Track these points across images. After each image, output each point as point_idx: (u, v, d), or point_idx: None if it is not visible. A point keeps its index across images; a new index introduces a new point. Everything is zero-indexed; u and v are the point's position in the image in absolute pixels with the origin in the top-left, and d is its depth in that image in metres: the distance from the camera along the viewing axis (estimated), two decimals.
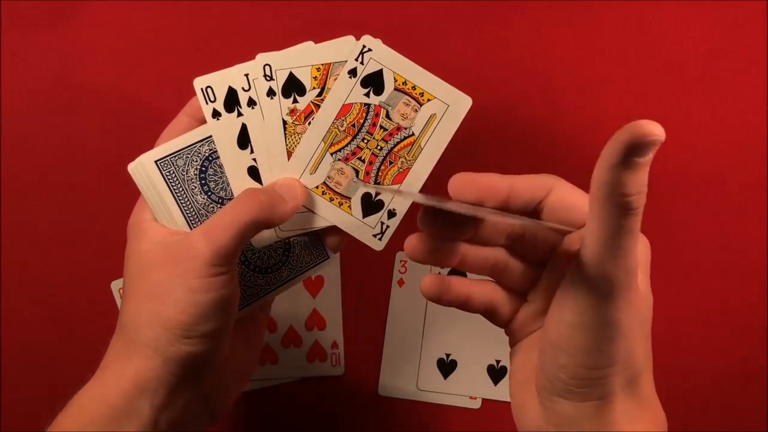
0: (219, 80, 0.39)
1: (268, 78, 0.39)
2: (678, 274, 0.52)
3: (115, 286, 0.52)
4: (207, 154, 0.39)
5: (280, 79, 0.39)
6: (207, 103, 0.39)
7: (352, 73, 0.38)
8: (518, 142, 0.54)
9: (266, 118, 0.39)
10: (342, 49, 0.39)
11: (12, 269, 0.53)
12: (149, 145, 0.55)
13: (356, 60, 0.39)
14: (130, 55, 0.54)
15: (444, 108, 0.39)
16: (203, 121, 0.40)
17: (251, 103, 0.39)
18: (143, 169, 0.38)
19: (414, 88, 0.39)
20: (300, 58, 0.39)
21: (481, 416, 0.52)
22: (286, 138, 0.39)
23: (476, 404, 0.52)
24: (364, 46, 0.39)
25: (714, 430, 0.51)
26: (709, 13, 0.54)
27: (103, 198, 0.53)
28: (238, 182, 0.39)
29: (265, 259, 0.41)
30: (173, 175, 0.39)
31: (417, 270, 0.52)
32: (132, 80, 0.54)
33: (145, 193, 0.39)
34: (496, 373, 0.52)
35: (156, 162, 0.38)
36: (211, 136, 0.39)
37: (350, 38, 0.39)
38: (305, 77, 0.39)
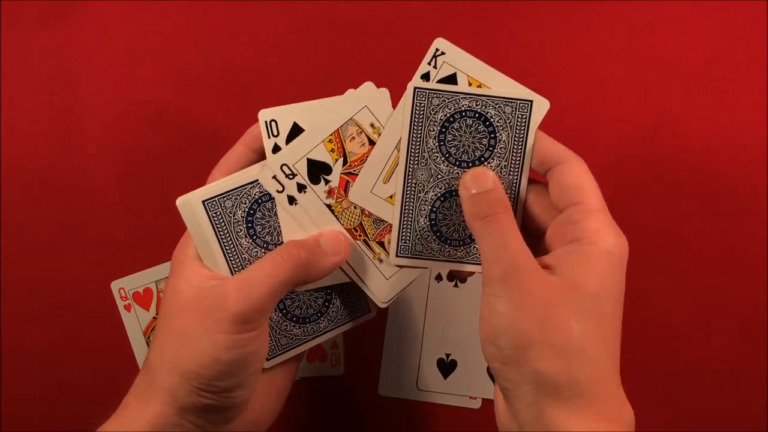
0: (284, 115, 0.38)
1: (290, 176, 0.38)
2: (678, 274, 0.52)
3: (115, 286, 0.52)
4: (257, 197, 0.37)
5: (302, 170, 0.38)
6: (269, 137, 0.37)
7: (425, 77, 0.38)
8: None
9: (311, 212, 0.38)
10: (339, 107, 0.39)
11: (12, 269, 0.53)
12: (149, 145, 0.55)
13: (429, 64, 0.38)
14: (130, 55, 0.54)
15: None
16: (260, 152, 0.38)
17: (301, 188, 0.38)
18: (190, 207, 0.37)
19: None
20: (308, 142, 0.38)
21: (481, 416, 0.52)
22: (338, 219, 0.38)
23: (476, 404, 0.52)
24: (437, 50, 0.38)
25: (714, 430, 0.51)
26: (709, 13, 0.54)
27: (103, 198, 0.53)
28: (290, 233, 0.38)
29: (304, 309, 0.39)
30: (219, 216, 0.37)
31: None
32: (132, 80, 0.54)
33: (192, 231, 0.37)
34: None
35: (203, 202, 0.37)
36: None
37: (340, 98, 0.39)
38: (323, 155, 0.38)
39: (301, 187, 0.38)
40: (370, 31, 0.54)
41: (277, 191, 0.37)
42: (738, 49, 0.53)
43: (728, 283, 0.52)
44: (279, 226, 0.38)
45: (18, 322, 0.52)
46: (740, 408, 0.52)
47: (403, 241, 0.38)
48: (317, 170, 0.38)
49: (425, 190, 0.37)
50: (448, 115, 0.37)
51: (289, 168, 0.37)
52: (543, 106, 0.38)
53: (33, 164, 0.53)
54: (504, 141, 0.37)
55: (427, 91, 0.37)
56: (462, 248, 0.38)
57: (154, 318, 0.52)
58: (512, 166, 0.37)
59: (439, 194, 0.37)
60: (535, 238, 0.37)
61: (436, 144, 0.37)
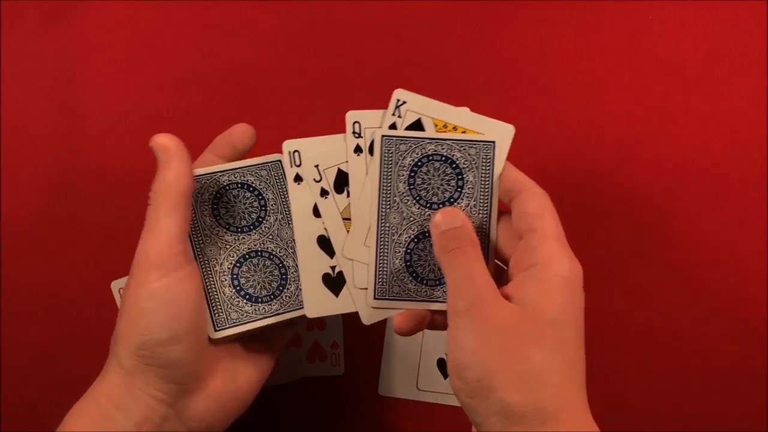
0: (307, 147, 0.39)
1: (316, 180, 0.40)
2: (678, 274, 0.52)
3: (115, 286, 0.52)
4: (225, 184, 0.40)
5: (330, 177, 0.40)
6: (291, 167, 0.39)
7: (393, 127, 0.39)
8: (518, 142, 0.54)
9: (326, 219, 0.40)
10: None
11: (12, 269, 0.53)
12: (149, 145, 0.55)
13: (393, 115, 0.39)
14: (130, 55, 0.54)
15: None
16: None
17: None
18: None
19: (455, 128, 0.40)
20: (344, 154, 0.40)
21: None
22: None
23: None
24: (398, 100, 0.39)
25: (714, 430, 0.51)
26: (709, 13, 0.54)
27: (103, 198, 0.53)
28: (306, 249, 0.39)
29: (258, 289, 0.40)
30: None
31: None
32: (132, 80, 0.54)
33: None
34: None
35: (197, 175, 0.39)
36: (235, 169, 0.40)
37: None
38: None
39: (324, 192, 0.39)
40: (370, 31, 0.54)
41: (315, 180, 0.39)
42: (738, 49, 0.53)
43: (728, 283, 0.52)
44: (242, 212, 0.40)
45: (18, 322, 0.52)
46: (740, 408, 0.52)
47: (380, 284, 0.39)
48: (344, 182, 0.39)
49: (399, 233, 0.39)
50: (416, 159, 0.39)
51: (318, 172, 0.39)
52: (507, 135, 0.40)
53: (33, 164, 0.53)
54: (471, 181, 0.39)
55: (394, 138, 0.39)
56: (439, 287, 0.39)
57: None
58: (481, 204, 0.39)
59: (412, 236, 0.39)
60: (502, 269, 0.38)
61: (407, 188, 0.39)
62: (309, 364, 0.52)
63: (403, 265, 0.39)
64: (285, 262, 0.40)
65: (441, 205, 0.39)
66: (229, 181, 0.40)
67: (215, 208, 0.40)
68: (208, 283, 0.39)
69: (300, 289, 0.40)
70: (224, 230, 0.40)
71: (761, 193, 0.53)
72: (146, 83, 0.54)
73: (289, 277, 0.40)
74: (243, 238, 0.40)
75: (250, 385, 0.40)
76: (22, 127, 0.53)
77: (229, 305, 0.39)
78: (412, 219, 0.39)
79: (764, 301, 0.52)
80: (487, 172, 0.39)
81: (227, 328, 0.39)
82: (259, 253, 0.40)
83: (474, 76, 0.54)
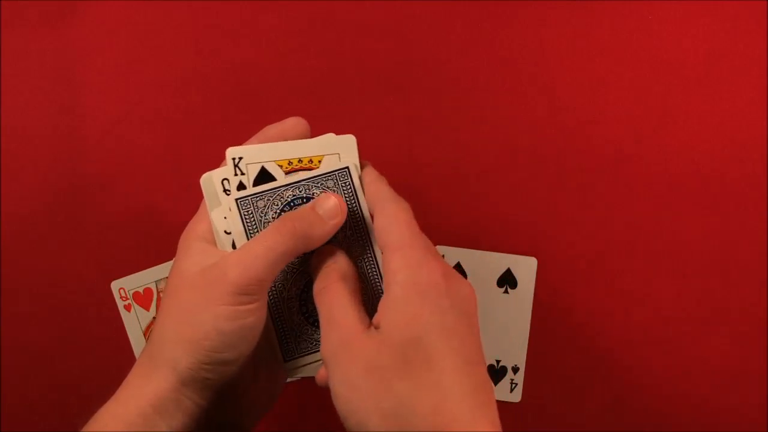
0: (252, 153, 0.38)
1: (238, 173, 0.38)
2: (678, 274, 0.52)
3: (115, 286, 0.52)
4: (289, 200, 0.38)
5: (252, 173, 0.38)
6: (236, 175, 0.38)
7: (241, 187, 0.38)
8: (518, 142, 0.54)
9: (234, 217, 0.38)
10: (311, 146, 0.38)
11: (12, 269, 0.53)
12: (149, 145, 0.55)
13: (236, 175, 0.38)
14: (130, 55, 0.54)
15: (337, 157, 0.38)
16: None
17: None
18: (211, 183, 0.38)
19: (300, 160, 0.38)
20: (272, 154, 0.38)
21: None
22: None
23: None
24: (233, 158, 0.38)
25: (714, 430, 0.51)
26: (709, 13, 0.54)
27: (103, 198, 0.53)
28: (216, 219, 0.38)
29: None
30: (250, 215, 0.37)
31: None
32: (132, 80, 0.54)
33: (211, 207, 0.38)
34: (496, 373, 0.52)
35: (237, 200, 0.37)
36: (299, 182, 0.38)
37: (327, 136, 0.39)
38: (276, 171, 0.38)
39: (241, 187, 0.38)
40: (370, 31, 0.54)
41: (235, 174, 0.38)
42: (738, 49, 0.53)
43: (728, 283, 0.52)
44: None
45: (18, 322, 0.52)
46: (740, 408, 0.52)
47: (286, 345, 0.38)
48: (264, 181, 0.38)
49: (287, 288, 0.38)
50: (278, 211, 0.37)
51: (240, 169, 0.38)
52: (351, 147, 0.38)
53: (33, 164, 0.53)
54: None
55: (249, 197, 0.37)
56: None
57: (154, 318, 0.52)
58: (358, 230, 0.38)
59: (301, 287, 0.38)
60: None
61: None
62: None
63: (302, 318, 0.38)
64: None
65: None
66: (294, 195, 0.38)
67: None
68: (276, 311, 0.38)
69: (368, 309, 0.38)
70: None
71: (761, 193, 0.53)
72: (146, 83, 0.54)
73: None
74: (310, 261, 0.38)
75: (280, 388, 0.41)
76: (22, 127, 0.53)
77: (299, 333, 0.38)
78: (295, 270, 0.38)
79: (764, 301, 0.52)
80: (352, 197, 0.38)
81: (296, 358, 0.38)
82: None
83: (474, 76, 0.54)
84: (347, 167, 0.38)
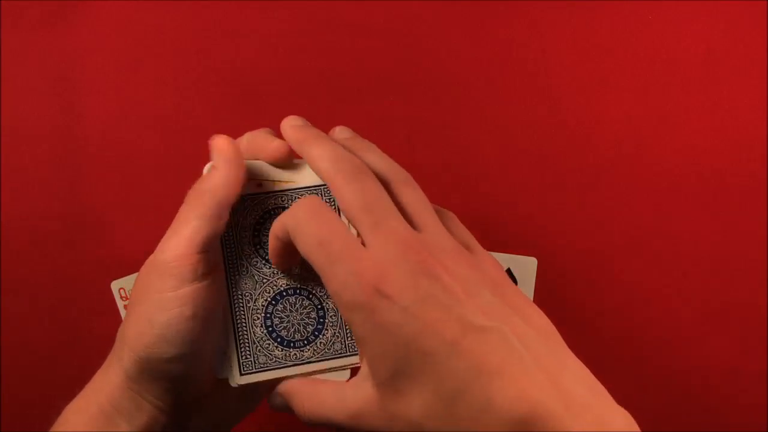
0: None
1: None
2: (678, 273, 0.52)
3: (115, 286, 0.52)
4: (270, 208, 0.37)
5: None
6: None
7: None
8: (518, 142, 0.54)
9: None
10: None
11: (12, 269, 0.53)
12: (149, 146, 0.55)
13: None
14: (130, 55, 0.54)
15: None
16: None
17: None
18: None
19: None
20: None
21: None
22: None
23: None
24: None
25: (714, 430, 0.51)
26: (709, 13, 0.54)
27: (103, 198, 0.53)
28: None
29: (292, 332, 0.37)
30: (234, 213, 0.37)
31: None
32: (132, 80, 0.54)
33: None
34: None
35: None
36: (283, 191, 0.37)
37: None
38: None
39: None
40: (370, 31, 0.54)
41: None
42: (738, 49, 0.53)
43: (728, 283, 0.52)
44: None
45: (18, 322, 0.52)
46: (740, 408, 0.52)
47: (243, 358, 0.36)
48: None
49: (254, 299, 0.37)
50: (257, 217, 0.37)
51: None
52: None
53: (33, 164, 0.53)
54: None
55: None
56: (308, 347, 0.37)
57: None
58: None
59: (269, 299, 0.37)
60: None
61: (252, 249, 0.37)
62: None
63: (265, 332, 0.37)
64: (324, 304, 0.37)
65: None
66: (275, 204, 0.37)
67: (256, 236, 0.37)
68: (238, 321, 0.36)
69: (337, 336, 0.37)
70: (263, 261, 0.37)
71: (761, 193, 0.53)
72: (146, 83, 0.54)
73: (327, 321, 0.37)
74: (282, 272, 0.37)
75: (257, 396, 0.40)
76: (22, 127, 0.53)
77: (258, 347, 0.36)
78: (265, 281, 0.37)
79: (764, 301, 0.52)
80: (336, 212, 0.36)
81: (253, 372, 0.36)
82: (298, 291, 0.37)
83: (474, 76, 0.54)
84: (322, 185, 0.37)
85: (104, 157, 0.53)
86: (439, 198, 0.53)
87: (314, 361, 0.37)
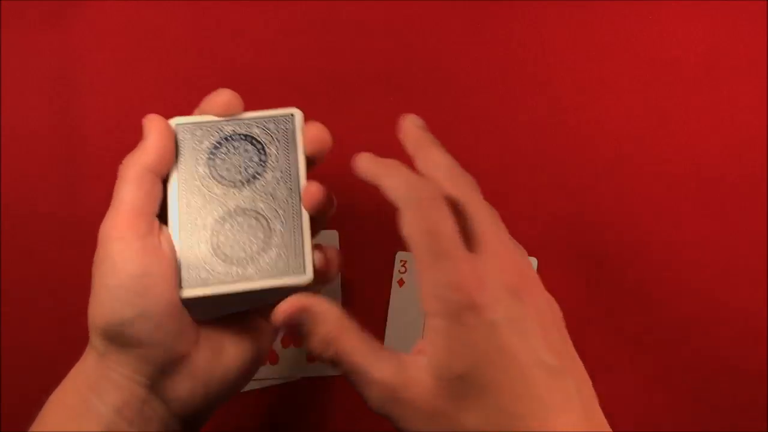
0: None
1: None
2: (678, 273, 0.52)
3: None
4: (228, 134, 0.39)
5: None
6: None
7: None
8: (518, 142, 0.54)
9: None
10: None
11: (12, 269, 0.53)
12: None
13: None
14: (130, 55, 0.54)
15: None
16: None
17: None
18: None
19: None
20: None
21: None
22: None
23: None
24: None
25: (714, 430, 0.51)
26: (709, 13, 0.54)
27: (103, 198, 0.53)
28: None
29: (236, 249, 0.38)
30: (185, 141, 0.39)
31: None
32: (132, 80, 0.54)
33: None
34: None
35: (176, 125, 0.39)
36: (241, 119, 0.40)
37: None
38: None
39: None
40: (370, 31, 0.54)
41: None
42: (738, 49, 0.53)
43: (728, 283, 0.52)
44: (239, 165, 0.39)
45: (18, 322, 0.52)
46: (740, 408, 0.52)
47: (186, 272, 0.37)
48: None
49: (203, 216, 0.38)
50: (214, 142, 0.39)
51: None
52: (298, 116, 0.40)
53: (33, 164, 0.53)
54: (274, 154, 0.39)
55: (188, 125, 0.39)
56: (251, 265, 0.37)
57: None
58: (288, 174, 0.39)
59: (217, 217, 0.38)
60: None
61: (207, 170, 0.39)
62: (309, 364, 0.52)
63: (209, 249, 0.37)
64: (272, 225, 0.38)
65: (245, 183, 0.38)
66: (233, 131, 0.39)
67: (211, 158, 0.39)
68: (185, 238, 0.37)
69: (280, 257, 0.37)
70: (215, 182, 0.38)
71: (761, 193, 0.53)
72: (146, 83, 0.54)
73: (272, 241, 0.38)
74: (233, 193, 0.38)
75: (238, 367, 0.38)
76: (22, 127, 0.53)
77: (202, 262, 0.37)
78: (215, 200, 0.38)
79: (764, 301, 0.52)
80: (289, 141, 0.39)
81: (193, 287, 0.36)
82: (247, 212, 0.38)
83: (474, 76, 0.54)
84: (292, 114, 0.39)
85: (104, 157, 0.53)
86: None
87: (256, 279, 0.37)
